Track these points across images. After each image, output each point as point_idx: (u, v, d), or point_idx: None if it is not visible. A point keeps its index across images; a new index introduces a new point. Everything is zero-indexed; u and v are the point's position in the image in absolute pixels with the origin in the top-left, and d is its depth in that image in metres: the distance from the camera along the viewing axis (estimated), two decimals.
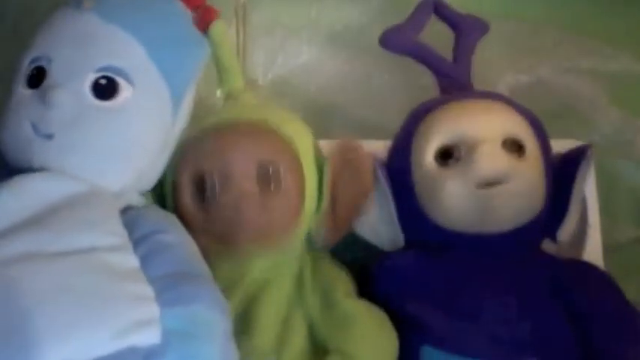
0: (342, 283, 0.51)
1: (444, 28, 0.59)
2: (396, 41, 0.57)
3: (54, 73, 0.45)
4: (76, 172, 0.44)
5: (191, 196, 0.50)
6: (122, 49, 0.46)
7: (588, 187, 0.59)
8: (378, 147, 0.55)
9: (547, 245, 0.55)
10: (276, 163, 0.49)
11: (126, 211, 0.45)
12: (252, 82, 0.55)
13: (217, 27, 0.51)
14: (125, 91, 0.45)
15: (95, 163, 0.45)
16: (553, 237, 0.53)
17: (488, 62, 0.69)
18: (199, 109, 0.53)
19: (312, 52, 0.72)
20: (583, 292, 0.50)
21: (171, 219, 0.47)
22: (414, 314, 0.49)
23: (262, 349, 0.47)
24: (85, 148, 0.44)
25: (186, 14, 0.50)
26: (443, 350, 0.48)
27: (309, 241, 0.53)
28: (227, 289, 0.49)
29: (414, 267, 0.52)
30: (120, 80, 0.45)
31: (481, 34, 0.58)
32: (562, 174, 0.53)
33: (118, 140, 0.45)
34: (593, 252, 0.58)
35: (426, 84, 0.58)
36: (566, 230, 0.52)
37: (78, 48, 0.45)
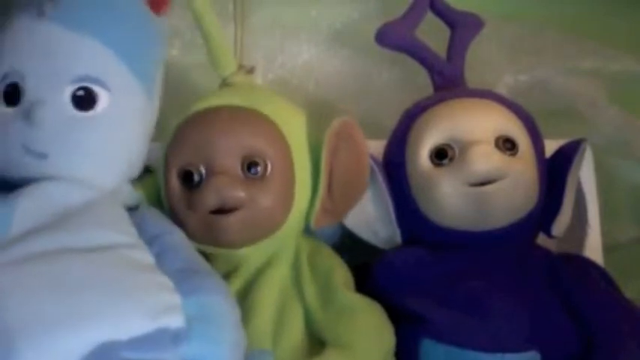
0: (340, 272, 0.51)
1: (441, 24, 0.59)
2: (391, 37, 0.57)
3: (31, 90, 0.45)
4: (76, 180, 0.45)
5: (179, 190, 0.50)
6: (92, 56, 0.46)
7: (588, 188, 0.59)
8: (378, 146, 0.55)
9: (547, 244, 0.55)
10: (262, 151, 0.49)
11: (130, 213, 0.47)
12: (249, 67, 0.54)
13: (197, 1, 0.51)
14: (103, 98, 0.46)
15: (91, 170, 0.46)
16: (548, 231, 0.52)
17: (488, 62, 0.70)
18: None
19: (311, 52, 0.72)
20: (579, 286, 0.50)
21: (172, 222, 0.48)
22: (414, 308, 0.49)
23: (258, 340, 0.47)
24: (79, 159, 0.45)
25: (139, 1, 0.49)
26: (442, 343, 0.48)
27: (308, 228, 0.52)
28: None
29: (412, 263, 0.52)
30: (96, 88, 0.45)
31: (476, 31, 0.58)
32: (556, 168, 0.53)
33: (107, 144, 0.46)
34: (593, 252, 0.58)
35: (426, 83, 0.58)
36: (561, 224, 0.52)
37: (48, 60, 0.45)
